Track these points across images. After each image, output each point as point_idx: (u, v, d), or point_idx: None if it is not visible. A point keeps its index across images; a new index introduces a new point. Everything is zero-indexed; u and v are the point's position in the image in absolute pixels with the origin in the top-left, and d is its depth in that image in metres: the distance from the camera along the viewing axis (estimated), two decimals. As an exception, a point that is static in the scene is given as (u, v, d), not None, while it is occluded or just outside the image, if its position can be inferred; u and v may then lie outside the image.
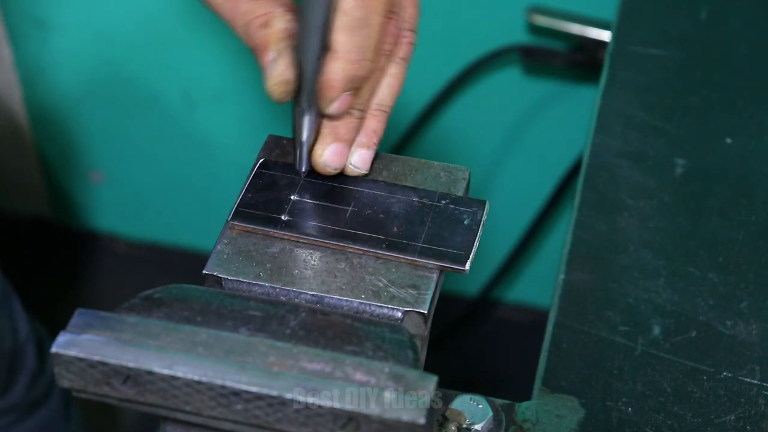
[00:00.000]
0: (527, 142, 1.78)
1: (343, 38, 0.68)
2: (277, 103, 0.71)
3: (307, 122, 0.72)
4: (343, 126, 0.72)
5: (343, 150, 0.73)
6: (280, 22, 0.70)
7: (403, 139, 1.77)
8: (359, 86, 0.71)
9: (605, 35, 1.55)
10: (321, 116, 0.72)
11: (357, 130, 0.73)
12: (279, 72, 0.70)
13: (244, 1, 0.72)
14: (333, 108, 0.70)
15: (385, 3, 0.68)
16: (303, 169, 0.74)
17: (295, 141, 0.73)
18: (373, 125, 0.74)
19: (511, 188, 1.84)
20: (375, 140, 0.74)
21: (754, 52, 1.12)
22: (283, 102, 0.71)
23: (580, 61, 1.61)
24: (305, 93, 0.70)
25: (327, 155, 0.73)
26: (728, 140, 1.03)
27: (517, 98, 1.73)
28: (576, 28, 1.59)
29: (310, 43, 0.68)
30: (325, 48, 0.68)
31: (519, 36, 1.64)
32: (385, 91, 0.74)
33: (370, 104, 0.74)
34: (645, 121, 1.04)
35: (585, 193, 0.97)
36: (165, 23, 1.77)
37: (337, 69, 0.68)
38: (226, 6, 0.73)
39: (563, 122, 1.73)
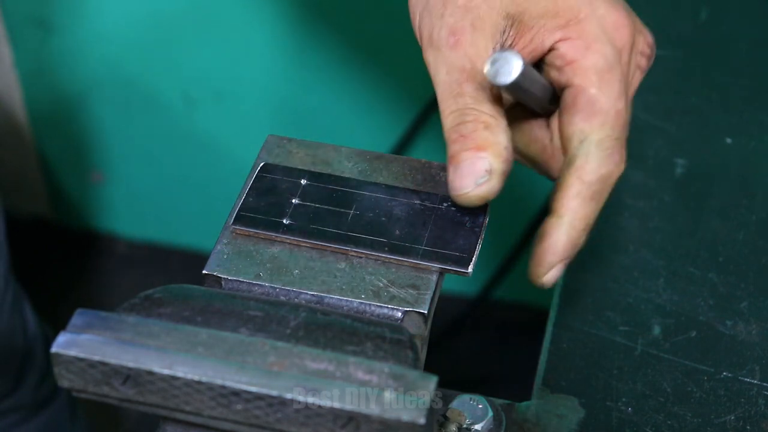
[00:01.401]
0: (527, 142, 1.78)
1: (574, 205, 0.67)
2: (461, 204, 0.69)
3: None
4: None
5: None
6: (504, 138, 0.68)
7: (403, 139, 1.77)
8: (571, 257, 0.69)
9: (605, 35, 1.54)
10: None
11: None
12: (491, 188, 0.68)
13: (476, 88, 0.68)
14: (549, 276, 0.69)
15: (616, 181, 0.69)
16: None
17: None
18: None
19: (511, 188, 1.84)
20: None
21: (754, 52, 1.12)
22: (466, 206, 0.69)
23: (580, 61, 1.60)
24: None
25: (551, 275, 0.70)
26: (728, 140, 1.03)
27: (517, 98, 1.73)
28: (576, 28, 1.58)
29: None
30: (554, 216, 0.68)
31: (519, 36, 1.64)
32: None
33: None
34: (645, 121, 1.04)
35: (585, 193, 0.97)
36: (165, 23, 1.78)
37: (563, 234, 0.68)
38: (455, 73, 0.69)
39: (563, 122, 1.72)
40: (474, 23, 0.69)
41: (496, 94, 0.70)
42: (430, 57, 0.70)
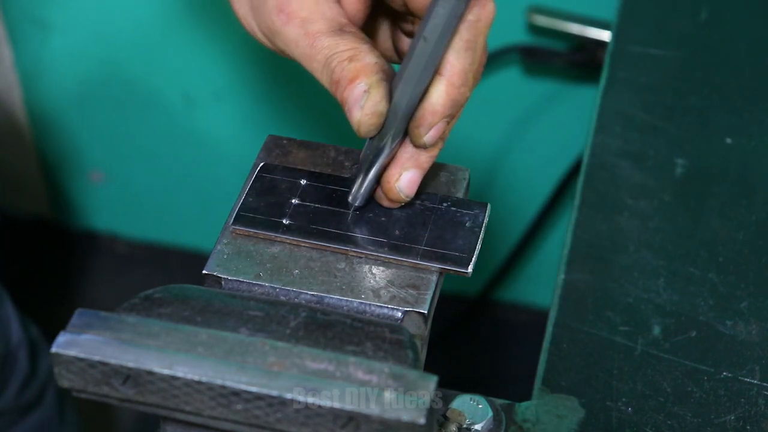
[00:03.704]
0: (527, 142, 1.78)
1: (452, 60, 0.67)
2: (364, 136, 0.70)
3: (382, 158, 0.71)
4: (426, 154, 0.71)
5: (418, 178, 0.72)
6: (370, 57, 0.69)
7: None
8: (455, 114, 0.70)
9: (605, 35, 1.55)
10: (399, 146, 0.71)
11: (432, 161, 0.72)
12: (374, 103, 0.68)
13: (326, 37, 0.70)
14: (429, 136, 0.69)
15: (489, 28, 0.68)
16: (358, 204, 0.73)
17: (358, 175, 0.72)
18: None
19: (511, 188, 1.84)
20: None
21: (754, 52, 1.12)
22: (370, 135, 0.70)
23: (580, 61, 1.61)
24: (394, 125, 0.69)
25: (403, 181, 0.71)
26: (728, 140, 1.03)
27: (517, 98, 1.73)
28: (576, 28, 1.59)
29: (426, 72, 0.67)
30: (434, 75, 0.68)
31: (519, 36, 1.64)
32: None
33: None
34: (645, 121, 1.04)
35: (585, 193, 0.97)
36: (165, 23, 1.78)
37: (442, 92, 0.68)
38: (304, 42, 0.71)
39: (563, 122, 1.73)
40: None
41: (350, 17, 0.72)
42: (280, 44, 0.73)
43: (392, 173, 0.72)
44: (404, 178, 0.71)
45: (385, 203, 0.73)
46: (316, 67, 0.71)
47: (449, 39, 0.67)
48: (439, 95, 0.68)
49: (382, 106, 0.68)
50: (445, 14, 0.65)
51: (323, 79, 0.71)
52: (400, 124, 0.69)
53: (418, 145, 0.70)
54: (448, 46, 0.67)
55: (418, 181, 0.72)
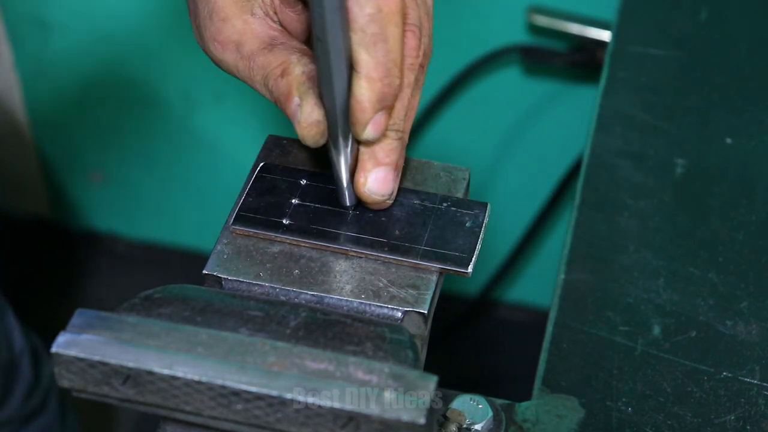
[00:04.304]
0: (527, 142, 1.78)
1: (364, 56, 0.66)
2: (314, 146, 0.70)
3: (343, 158, 0.70)
4: (382, 149, 0.70)
5: (387, 175, 0.71)
6: (298, 67, 0.69)
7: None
8: (390, 104, 0.69)
9: (605, 35, 1.55)
10: (358, 145, 0.70)
11: (398, 152, 0.71)
12: (306, 114, 0.69)
13: (259, 56, 0.71)
14: (369, 132, 0.68)
15: (399, 14, 0.67)
16: (348, 203, 0.73)
17: (335, 179, 0.72)
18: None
19: (511, 188, 1.84)
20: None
21: (754, 52, 1.12)
22: (319, 145, 0.70)
23: (580, 61, 1.61)
24: (339, 126, 0.69)
25: (371, 183, 0.71)
26: (728, 140, 1.03)
27: (517, 98, 1.73)
28: (576, 28, 1.59)
29: (336, 71, 0.66)
30: (351, 73, 0.67)
31: (519, 36, 1.65)
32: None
33: (408, 124, 0.72)
34: (645, 121, 1.04)
35: (585, 193, 0.97)
36: (165, 23, 1.78)
37: (364, 89, 0.67)
38: (241, 65, 0.72)
39: (563, 122, 1.73)
40: (221, 16, 0.72)
41: (287, 25, 0.73)
42: (225, 71, 0.74)
43: (358, 179, 0.71)
44: (371, 180, 0.71)
45: (372, 207, 0.73)
46: (258, 88, 0.72)
47: (350, 33, 0.66)
48: (362, 92, 0.67)
49: (316, 114, 0.69)
50: (324, 11, 0.64)
51: (267, 98, 0.71)
52: (343, 124, 0.69)
53: (363, 142, 0.70)
54: (359, 41, 0.66)
55: (389, 178, 0.71)
